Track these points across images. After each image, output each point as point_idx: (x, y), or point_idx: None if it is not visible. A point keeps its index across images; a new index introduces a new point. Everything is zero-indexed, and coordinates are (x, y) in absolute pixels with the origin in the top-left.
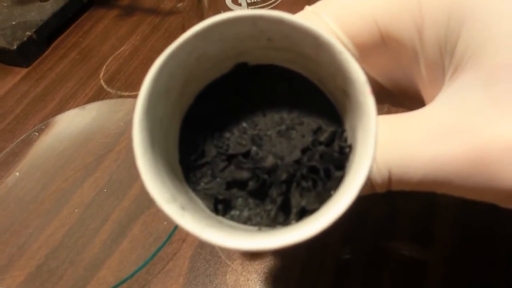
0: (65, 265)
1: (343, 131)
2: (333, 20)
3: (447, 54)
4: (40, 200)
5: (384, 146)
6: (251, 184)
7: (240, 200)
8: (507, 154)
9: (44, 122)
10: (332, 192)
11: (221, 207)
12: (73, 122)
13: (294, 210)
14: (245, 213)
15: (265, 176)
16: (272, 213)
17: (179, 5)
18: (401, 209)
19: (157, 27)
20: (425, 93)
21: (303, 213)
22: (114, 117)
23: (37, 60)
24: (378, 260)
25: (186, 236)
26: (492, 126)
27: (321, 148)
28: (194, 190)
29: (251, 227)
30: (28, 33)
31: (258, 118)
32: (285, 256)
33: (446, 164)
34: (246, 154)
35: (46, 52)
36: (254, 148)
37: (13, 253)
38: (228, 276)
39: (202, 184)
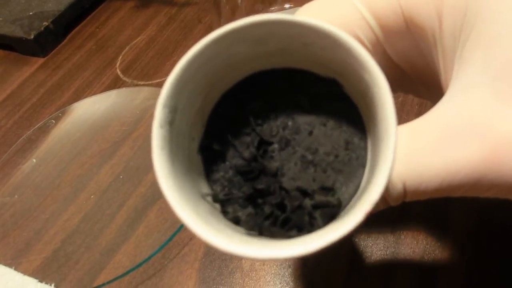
0: (82, 249)
1: (339, 207)
2: (361, 1)
3: (460, 44)
4: (57, 186)
5: (396, 159)
6: (239, 162)
7: (223, 167)
8: None
9: (61, 110)
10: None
11: (207, 154)
12: (90, 110)
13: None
14: (218, 175)
15: (254, 167)
16: (221, 194)
17: None
18: None
19: (173, 18)
20: (442, 81)
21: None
22: (130, 105)
23: (54, 50)
24: (393, 246)
25: None
26: (502, 122)
27: (307, 201)
28: (208, 132)
29: (206, 191)
30: (45, 23)
31: (303, 131)
32: None
33: (461, 168)
34: (265, 144)
35: (63, 42)
36: (276, 146)
37: (30, 238)
38: (243, 261)
39: (215, 136)
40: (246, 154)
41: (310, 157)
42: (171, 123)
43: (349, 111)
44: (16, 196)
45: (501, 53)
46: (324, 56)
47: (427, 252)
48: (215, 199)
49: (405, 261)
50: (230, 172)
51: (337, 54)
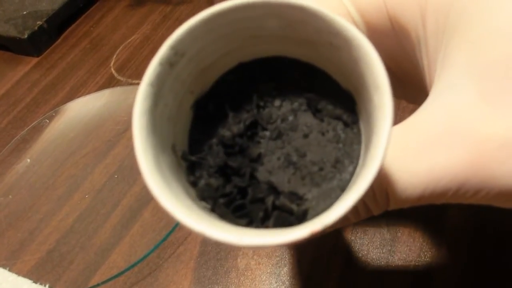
0: (76, 249)
1: (299, 220)
2: None
3: (443, 46)
4: (51, 186)
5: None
6: (226, 134)
7: (209, 131)
8: (503, 151)
9: (55, 109)
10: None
11: (200, 112)
12: (84, 109)
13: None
14: (202, 136)
15: (236, 143)
16: (194, 155)
17: None
18: None
19: (168, 16)
20: (427, 82)
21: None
22: (124, 103)
23: (48, 50)
24: (390, 244)
25: None
26: (485, 125)
27: (270, 198)
28: (210, 92)
29: (180, 145)
30: (39, 22)
31: (300, 131)
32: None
33: (444, 173)
34: (259, 127)
35: (57, 42)
36: (267, 134)
37: (24, 238)
38: (239, 260)
39: (215, 99)
40: (235, 128)
41: (295, 158)
42: (173, 64)
43: (352, 131)
44: (10, 197)
45: (485, 54)
46: (346, 65)
47: (423, 250)
48: (185, 157)
49: (401, 259)
50: (214, 140)
51: (357, 64)
